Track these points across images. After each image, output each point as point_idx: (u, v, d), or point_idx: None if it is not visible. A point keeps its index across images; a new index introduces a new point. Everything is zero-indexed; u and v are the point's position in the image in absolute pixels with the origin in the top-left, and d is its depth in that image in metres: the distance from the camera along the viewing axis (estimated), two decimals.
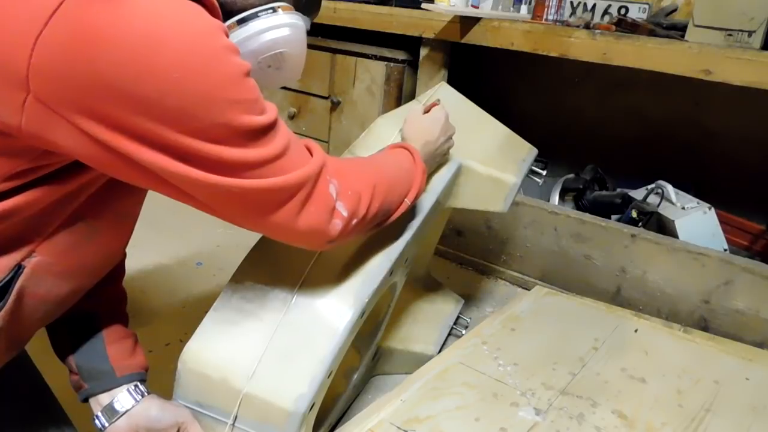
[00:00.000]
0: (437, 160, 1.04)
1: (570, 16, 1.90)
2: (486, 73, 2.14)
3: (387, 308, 1.15)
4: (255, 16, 0.70)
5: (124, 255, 1.04)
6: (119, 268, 1.03)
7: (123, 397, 0.80)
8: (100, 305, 0.90)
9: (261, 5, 0.70)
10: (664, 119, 1.87)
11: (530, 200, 1.69)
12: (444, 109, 1.06)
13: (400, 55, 1.91)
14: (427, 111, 1.07)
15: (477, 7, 1.77)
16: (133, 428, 0.79)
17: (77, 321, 0.87)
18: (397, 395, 1.10)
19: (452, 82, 1.49)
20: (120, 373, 0.84)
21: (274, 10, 0.71)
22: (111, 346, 0.90)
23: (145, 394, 0.81)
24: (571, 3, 1.92)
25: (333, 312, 0.85)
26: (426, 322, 1.37)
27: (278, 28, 0.71)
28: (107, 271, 0.85)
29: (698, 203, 1.64)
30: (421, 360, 1.26)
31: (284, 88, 2.20)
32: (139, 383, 0.82)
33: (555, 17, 1.77)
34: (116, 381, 0.81)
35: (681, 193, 1.69)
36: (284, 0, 0.72)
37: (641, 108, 1.90)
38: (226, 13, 0.68)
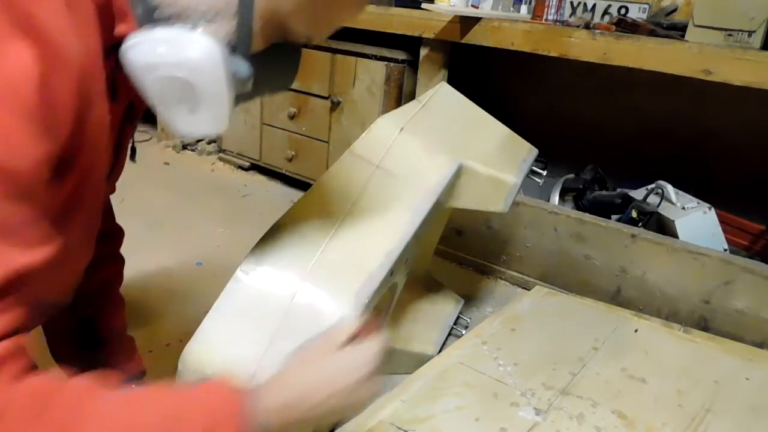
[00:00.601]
0: (307, 423, 0.65)
1: (570, 16, 1.90)
2: (486, 73, 2.14)
3: (387, 308, 1.15)
4: (169, 25, 0.58)
5: (122, 261, 1.03)
6: (117, 275, 1.02)
7: None
8: (98, 311, 0.89)
9: (196, 18, 0.59)
10: (664, 119, 1.87)
11: (530, 200, 1.69)
12: (381, 345, 0.68)
13: (400, 55, 1.91)
14: (355, 336, 0.69)
15: (477, 7, 1.77)
16: None
17: (76, 327, 0.86)
18: (397, 395, 1.10)
19: (452, 82, 1.49)
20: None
21: (195, 26, 0.58)
22: (109, 351, 0.90)
23: None
24: (571, 3, 1.92)
25: (333, 312, 0.85)
26: (426, 322, 1.37)
27: (185, 46, 0.57)
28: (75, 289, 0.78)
29: (698, 203, 1.64)
30: (421, 360, 1.26)
31: None
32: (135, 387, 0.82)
33: (555, 17, 1.77)
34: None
35: (681, 193, 1.69)
36: (220, 24, 0.59)
37: (641, 108, 1.90)
38: (153, 22, 0.59)
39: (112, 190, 0.89)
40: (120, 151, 0.76)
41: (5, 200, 0.48)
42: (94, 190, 0.62)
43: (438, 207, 1.08)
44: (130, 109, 0.75)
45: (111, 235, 0.98)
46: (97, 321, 0.91)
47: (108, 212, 0.98)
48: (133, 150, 0.80)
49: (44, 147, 0.49)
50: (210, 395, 0.58)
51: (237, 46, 0.60)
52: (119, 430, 0.53)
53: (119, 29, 0.60)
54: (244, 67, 0.61)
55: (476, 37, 1.67)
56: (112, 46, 0.60)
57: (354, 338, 0.69)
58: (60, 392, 0.51)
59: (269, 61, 0.64)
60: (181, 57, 0.57)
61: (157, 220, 1.94)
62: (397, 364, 1.29)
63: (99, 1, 0.57)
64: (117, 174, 0.82)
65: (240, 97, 0.64)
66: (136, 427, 0.53)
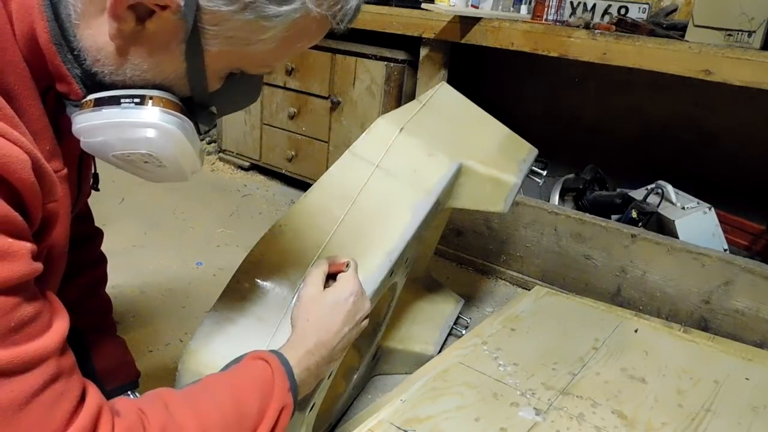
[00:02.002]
0: (336, 358, 0.77)
1: (570, 16, 1.90)
2: (486, 73, 2.14)
3: (387, 308, 1.15)
4: (116, 101, 0.57)
5: (104, 261, 1.01)
6: (99, 278, 1.00)
7: None
8: (83, 319, 0.88)
9: (134, 86, 0.57)
10: (664, 119, 1.87)
11: (530, 200, 1.69)
12: (354, 278, 0.80)
13: (400, 55, 1.91)
14: (333, 275, 0.81)
15: (477, 7, 1.77)
16: None
17: None
18: (397, 395, 1.10)
19: (452, 82, 1.49)
20: (110, 385, 0.82)
21: (143, 100, 0.56)
22: (98, 360, 0.89)
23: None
24: (571, 3, 1.92)
25: None
26: (426, 322, 1.37)
27: (139, 128, 0.56)
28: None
29: (698, 203, 1.64)
30: (421, 360, 1.26)
31: (284, 87, 2.20)
32: (130, 392, 0.81)
33: (555, 17, 1.77)
34: (105, 394, 0.81)
35: (681, 193, 1.69)
36: (168, 90, 0.58)
37: (641, 108, 1.90)
38: (97, 84, 0.58)
39: (84, 202, 0.86)
40: (82, 182, 0.75)
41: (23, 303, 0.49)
42: (62, 236, 0.62)
43: (438, 207, 1.08)
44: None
45: (89, 238, 0.96)
46: (83, 330, 0.90)
47: (85, 217, 0.96)
48: (96, 177, 0.79)
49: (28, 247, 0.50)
50: (253, 369, 0.67)
51: (193, 97, 0.60)
52: (202, 420, 0.59)
53: (61, 87, 0.59)
54: (204, 117, 0.62)
55: (476, 37, 1.67)
56: (47, 87, 0.58)
57: (332, 275, 0.80)
58: (145, 416, 0.56)
59: (230, 87, 0.64)
60: (138, 138, 0.57)
61: (157, 220, 1.94)
62: (397, 364, 1.29)
63: (28, 57, 0.55)
64: (82, 202, 0.80)
65: (205, 130, 0.65)
66: (212, 417, 0.60)
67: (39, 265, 0.51)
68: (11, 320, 0.48)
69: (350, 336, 0.77)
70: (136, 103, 0.56)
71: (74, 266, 0.77)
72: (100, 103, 0.57)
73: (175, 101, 0.59)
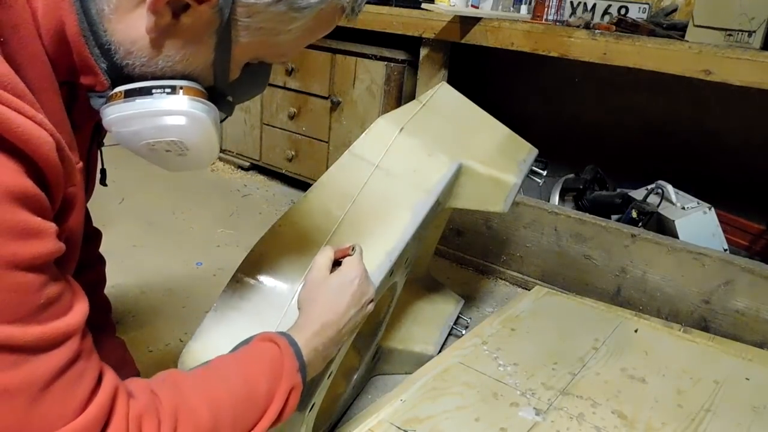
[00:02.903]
0: (343, 340, 0.79)
1: (570, 16, 1.90)
2: (486, 73, 2.14)
3: (387, 308, 1.15)
4: (148, 92, 0.59)
5: (103, 263, 1.01)
6: (98, 279, 1.00)
7: None
8: None
9: (164, 77, 0.59)
10: (664, 119, 1.87)
11: (530, 200, 1.69)
12: (359, 262, 0.81)
13: (400, 55, 1.91)
14: (337, 260, 0.83)
15: (477, 7, 1.77)
16: None
17: None
18: (397, 395, 1.10)
19: (452, 82, 1.49)
20: None
21: (174, 89, 0.59)
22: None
23: None
24: (571, 3, 1.92)
25: None
26: (426, 322, 1.37)
27: (171, 116, 0.59)
28: None
29: (698, 203, 1.64)
30: (421, 360, 1.26)
31: (284, 87, 2.20)
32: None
33: (555, 17, 1.77)
34: None
35: (681, 193, 1.69)
36: (194, 80, 0.61)
37: (641, 108, 1.90)
38: (123, 77, 0.59)
39: (89, 198, 0.87)
40: (90, 176, 0.76)
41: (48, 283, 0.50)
42: (78, 224, 0.63)
43: (438, 207, 1.08)
44: (96, 132, 0.75)
45: (87, 239, 0.97)
46: None
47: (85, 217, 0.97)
48: (103, 172, 0.80)
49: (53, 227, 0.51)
50: (262, 350, 0.68)
51: (215, 86, 0.63)
52: (213, 401, 0.60)
53: (86, 80, 0.60)
54: (224, 106, 0.65)
55: (476, 37, 1.67)
56: (62, 82, 0.59)
57: (337, 261, 0.82)
58: (159, 397, 0.57)
59: (244, 76, 0.66)
60: (171, 125, 0.59)
61: (157, 220, 1.94)
62: (397, 364, 1.29)
63: (51, 50, 0.56)
64: (88, 197, 0.81)
65: (223, 118, 0.68)
66: (223, 398, 0.61)
67: (63, 245, 0.52)
68: (40, 298, 0.49)
69: (356, 319, 0.79)
70: (168, 93, 0.59)
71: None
72: (131, 94, 0.59)
73: (202, 91, 0.61)
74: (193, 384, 0.61)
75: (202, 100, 0.60)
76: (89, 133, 0.73)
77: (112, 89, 0.60)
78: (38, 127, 0.48)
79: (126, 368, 0.97)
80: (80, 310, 0.54)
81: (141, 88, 0.59)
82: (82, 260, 0.91)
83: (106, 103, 0.60)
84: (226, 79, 0.63)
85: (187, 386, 0.60)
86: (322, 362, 0.76)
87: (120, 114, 0.59)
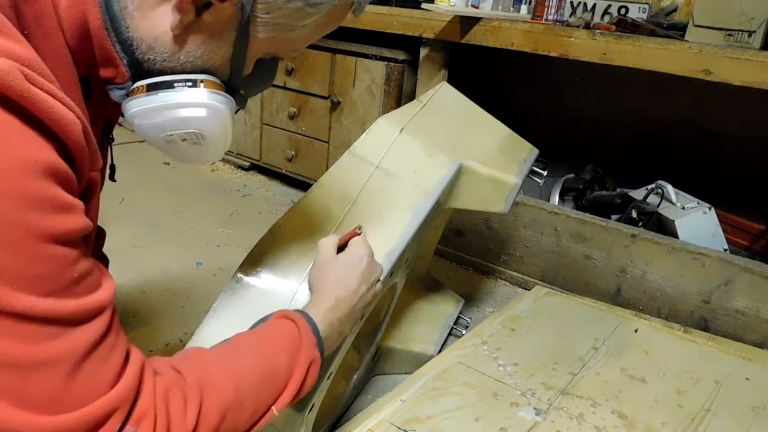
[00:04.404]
0: (356, 317, 0.81)
1: (570, 16, 1.90)
2: (486, 73, 2.14)
3: (387, 308, 1.15)
4: (170, 85, 0.61)
5: (107, 262, 0.98)
6: (97, 238, 0.96)
7: None
8: None
9: (184, 71, 0.62)
10: (664, 119, 1.87)
11: (530, 200, 1.69)
12: (365, 242, 0.83)
13: (400, 55, 1.91)
14: (343, 244, 0.84)
15: (477, 7, 1.77)
16: None
17: None
18: (397, 395, 1.10)
19: (452, 82, 1.49)
20: None
21: (195, 83, 0.61)
22: None
23: None
24: (571, 3, 1.92)
25: None
26: (426, 322, 1.37)
27: (192, 107, 0.61)
28: None
29: (698, 203, 1.64)
30: (421, 360, 1.26)
31: (284, 87, 2.20)
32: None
33: (555, 17, 1.77)
34: None
35: (681, 193, 1.69)
36: (213, 74, 0.63)
37: (641, 108, 1.90)
38: (143, 72, 0.61)
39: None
40: (101, 172, 0.77)
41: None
42: (96, 212, 0.64)
43: (438, 207, 1.08)
44: (107, 128, 0.76)
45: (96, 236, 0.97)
46: None
47: None
48: (113, 168, 0.81)
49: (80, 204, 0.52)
50: (280, 327, 0.70)
51: (231, 81, 0.65)
52: (235, 376, 0.61)
53: (106, 73, 0.62)
54: (238, 99, 0.67)
55: (476, 37, 1.67)
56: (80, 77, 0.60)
57: (342, 244, 0.83)
58: (183, 370, 0.59)
59: (254, 72, 0.68)
60: (192, 116, 0.62)
61: (157, 220, 1.94)
62: (397, 364, 1.29)
63: (72, 44, 0.58)
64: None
65: (236, 110, 0.69)
66: (245, 373, 0.63)
67: (90, 223, 0.53)
68: (75, 272, 0.50)
69: (367, 298, 0.81)
70: (189, 86, 0.61)
71: None
72: (153, 87, 0.61)
73: (220, 84, 0.64)
74: (215, 360, 0.63)
75: (221, 92, 0.63)
76: (100, 129, 0.74)
77: (132, 83, 0.62)
78: (67, 110, 0.49)
79: None
80: (109, 286, 0.55)
81: (163, 82, 0.61)
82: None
83: (127, 97, 0.62)
84: (241, 73, 0.65)
85: (209, 362, 0.62)
86: (338, 337, 0.78)
87: (143, 107, 0.61)
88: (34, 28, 0.53)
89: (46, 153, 0.47)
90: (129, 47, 0.60)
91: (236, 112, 0.68)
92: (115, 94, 0.63)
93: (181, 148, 0.65)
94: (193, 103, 0.61)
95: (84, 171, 0.53)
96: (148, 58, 0.60)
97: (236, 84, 0.66)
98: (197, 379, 0.59)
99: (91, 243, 0.65)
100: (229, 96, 0.64)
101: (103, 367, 0.52)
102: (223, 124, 0.64)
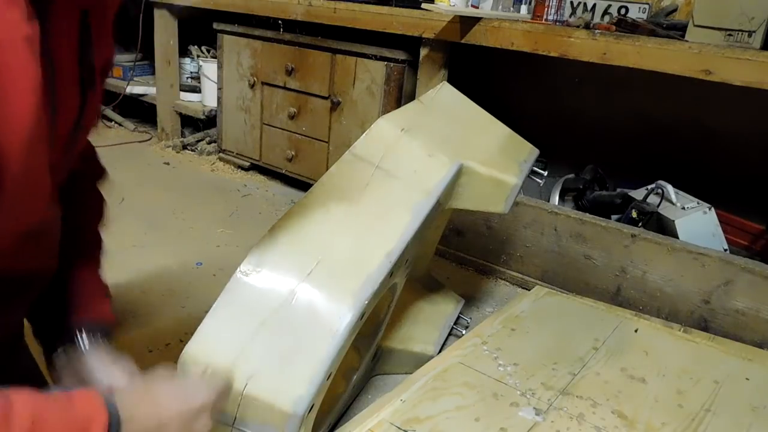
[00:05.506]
0: None
1: (570, 16, 1.90)
2: (486, 73, 2.14)
3: (387, 309, 1.15)
4: None
5: (104, 200, 0.89)
6: (94, 214, 0.88)
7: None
8: (66, 263, 0.80)
9: None
10: (665, 119, 1.87)
11: (530, 200, 1.69)
12: (216, 389, 0.70)
13: (400, 55, 1.91)
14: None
15: (477, 7, 1.77)
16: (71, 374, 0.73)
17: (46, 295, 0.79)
18: (397, 395, 1.10)
19: (452, 82, 1.49)
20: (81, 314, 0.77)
21: None
22: (73, 292, 0.81)
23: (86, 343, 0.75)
24: (571, 3, 1.92)
25: (333, 314, 0.85)
26: (426, 322, 1.37)
27: None
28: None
29: (698, 203, 1.64)
30: (421, 360, 1.26)
31: (284, 87, 2.20)
32: (85, 331, 0.75)
33: (555, 17, 1.77)
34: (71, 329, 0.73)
35: (681, 193, 1.69)
36: None
37: (641, 108, 1.90)
38: None
39: (85, 133, 0.73)
40: (89, 85, 0.62)
41: None
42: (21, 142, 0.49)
43: (438, 208, 1.08)
44: (86, 23, 0.59)
45: (92, 177, 0.87)
46: (64, 278, 0.80)
47: (89, 157, 0.86)
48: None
49: None
50: (79, 405, 0.56)
51: None
52: None
53: None
54: None
55: (476, 37, 1.67)
56: None
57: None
58: None
59: None
60: None
61: (157, 220, 1.94)
62: (397, 364, 1.29)
63: None
64: (91, 115, 0.68)
65: None
66: None
67: None
68: None
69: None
70: None
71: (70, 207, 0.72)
72: None
73: None
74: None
75: None
76: (70, 24, 0.57)
77: None
78: None
79: (97, 306, 0.84)
80: None
81: None
82: (82, 204, 0.82)
83: None
84: None
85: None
86: None
87: None
88: None
89: None
90: None
91: None
92: None
93: None
94: None
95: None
96: None
97: None
98: None
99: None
100: None
101: None
102: None
